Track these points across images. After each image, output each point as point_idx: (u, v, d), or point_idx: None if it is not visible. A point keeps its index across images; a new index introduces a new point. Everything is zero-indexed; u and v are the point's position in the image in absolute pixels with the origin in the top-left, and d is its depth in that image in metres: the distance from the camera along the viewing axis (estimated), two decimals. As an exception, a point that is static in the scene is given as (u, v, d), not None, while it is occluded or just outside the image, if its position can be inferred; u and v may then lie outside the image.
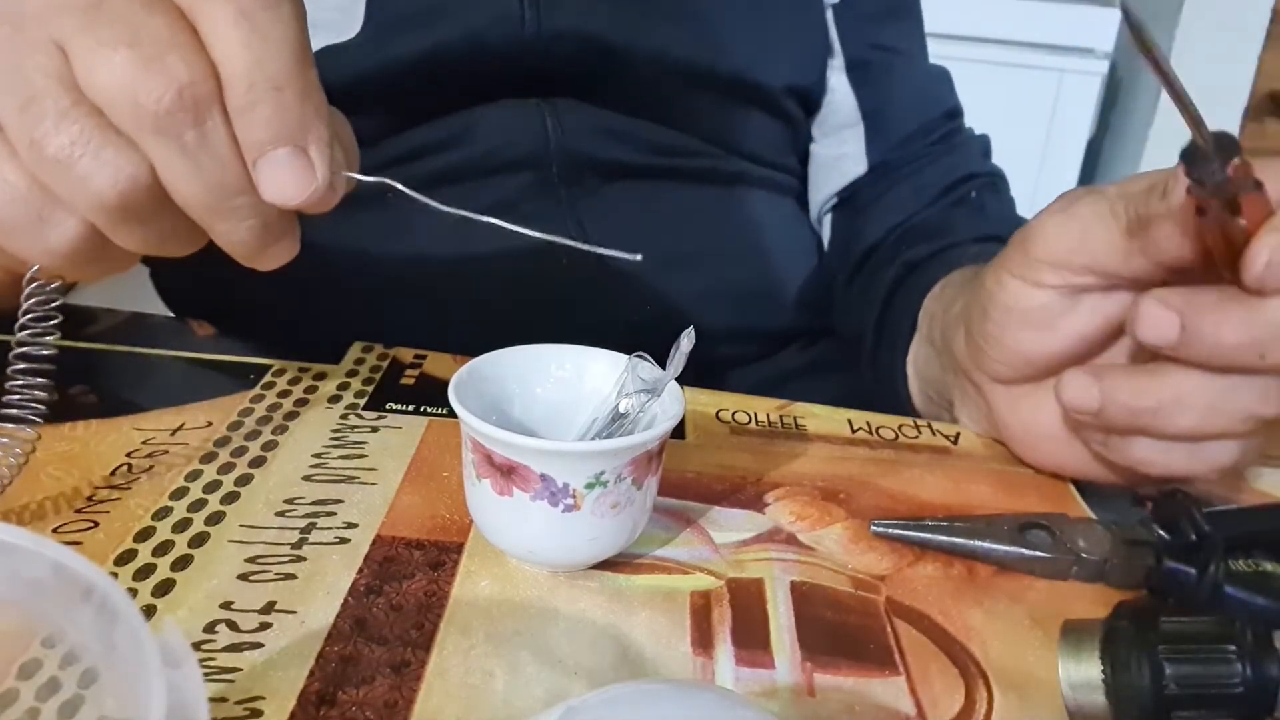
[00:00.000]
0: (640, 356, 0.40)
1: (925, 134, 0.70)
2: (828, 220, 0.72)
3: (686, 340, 0.38)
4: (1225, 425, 0.38)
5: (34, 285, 0.35)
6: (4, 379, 0.36)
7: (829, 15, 0.68)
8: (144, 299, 0.67)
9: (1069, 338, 0.43)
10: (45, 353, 0.36)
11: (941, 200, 0.67)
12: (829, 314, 0.70)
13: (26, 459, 0.38)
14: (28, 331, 0.36)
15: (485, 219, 0.36)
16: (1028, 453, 0.48)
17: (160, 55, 0.29)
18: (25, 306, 0.35)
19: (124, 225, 0.32)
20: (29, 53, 0.30)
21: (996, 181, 0.69)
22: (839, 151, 0.70)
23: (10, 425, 0.37)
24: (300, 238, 0.36)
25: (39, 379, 0.36)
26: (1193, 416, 0.38)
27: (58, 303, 0.35)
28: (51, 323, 0.36)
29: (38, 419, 0.37)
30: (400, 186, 0.35)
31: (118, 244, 0.33)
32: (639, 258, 0.36)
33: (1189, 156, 0.34)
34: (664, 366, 0.38)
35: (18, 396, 0.36)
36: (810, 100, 0.69)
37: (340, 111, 0.35)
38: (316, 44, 0.53)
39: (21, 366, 0.36)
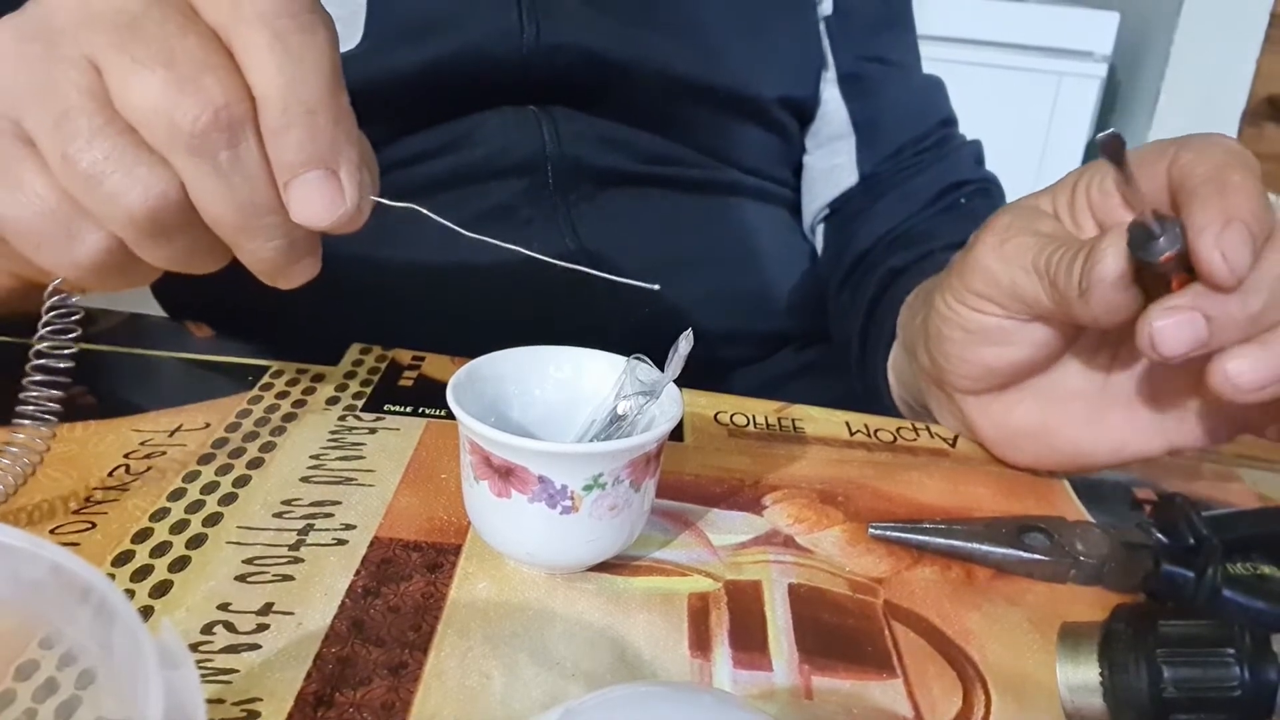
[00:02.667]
0: (638, 358, 0.40)
1: (917, 144, 0.70)
2: (820, 230, 0.72)
3: (685, 342, 0.38)
4: None
5: (56, 298, 0.35)
6: (19, 383, 0.36)
7: (822, 27, 0.69)
8: (142, 300, 0.67)
9: (1030, 346, 0.43)
10: (63, 365, 0.36)
11: (932, 207, 0.67)
12: (822, 318, 0.70)
13: (34, 469, 0.38)
14: (47, 344, 0.36)
15: (510, 246, 0.36)
16: (1005, 453, 0.48)
17: (196, 76, 0.29)
18: (46, 319, 0.35)
19: (151, 241, 0.32)
20: (63, 68, 0.30)
21: (989, 187, 0.69)
22: (831, 163, 0.70)
23: (22, 435, 0.37)
24: (321, 256, 0.36)
25: (54, 390, 0.36)
26: None
27: (78, 315, 0.36)
28: (70, 335, 0.36)
29: (50, 429, 0.37)
30: (428, 213, 0.35)
31: (143, 259, 0.34)
32: (657, 288, 0.36)
33: (1135, 239, 0.36)
34: (662, 368, 0.38)
35: (32, 407, 0.36)
36: (804, 112, 0.70)
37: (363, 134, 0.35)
38: None
39: (39, 378, 0.36)
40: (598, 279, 0.37)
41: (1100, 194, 0.41)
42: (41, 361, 0.36)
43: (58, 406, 0.37)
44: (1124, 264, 0.36)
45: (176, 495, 0.40)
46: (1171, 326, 0.35)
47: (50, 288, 0.35)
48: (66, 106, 0.30)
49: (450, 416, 0.35)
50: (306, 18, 0.31)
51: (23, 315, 0.48)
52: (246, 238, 0.33)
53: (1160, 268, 0.36)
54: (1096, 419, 0.44)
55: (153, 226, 0.32)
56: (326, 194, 0.32)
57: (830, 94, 0.70)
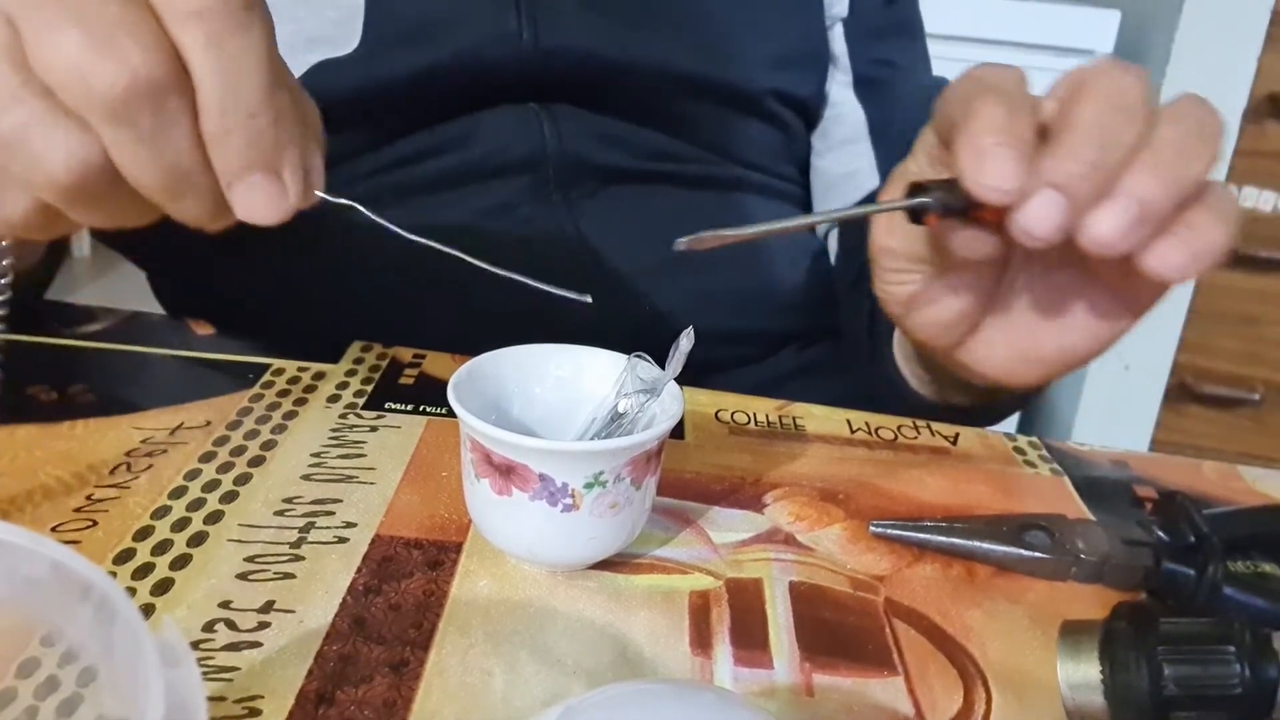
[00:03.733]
0: (639, 356, 0.40)
1: None
2: (835, 233, 0.72)
3: (686, 340, 0.38)
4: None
5: None
6: None
7: (839, 29, 0.69)
8: (144, 299, 0.67)
9: (961, 290, 0.43)
10: None
11: None
12: (826, 316, 0.70)
13: None
14: None
15: (444, 248, 0.36)
16: (1016, 380, 0.46)
17: (111, 36, 0.28)
18: None
19: (78, 203, 0.32)
20: None
21: None
22: (851, 167, 0.70)
23: None
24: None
25: None
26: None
27: (6, 295, 0.35)
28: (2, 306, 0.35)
29: None
30: (364, 210, 0.35)
31: (72, 217, 0.33)
32: (589, 299, 0.36)
33: (911, 212, 0.38)
34: (663, 366, 0.38)
35: None
36: (809, 110, 0.70)
37: (311, 98, 0.35)
38: (313, 58, 0.54)
39: None
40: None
41: (938, 150, 0.41)
42: None
43: None
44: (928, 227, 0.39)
45: (178, 493, 0.40)
46: (1034, 210, 0.35)
47: None
48: None
49: (451, 414, 0.35)
50: (242, 15, 0.30)
51: None
52: (173, 200, 0.32)
53: (956, 221, 0.38)
54: (1063, 320, 0.43)
55: (78, 192, 0.31)
56: (270, 194, 0.32)
57: (844, 96, 0.70)
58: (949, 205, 0.37)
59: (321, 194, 0.34)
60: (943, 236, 0.39)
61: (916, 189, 0.38)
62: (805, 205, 0.73)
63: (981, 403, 0.58)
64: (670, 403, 0.38)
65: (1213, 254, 0.35)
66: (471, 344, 0.41)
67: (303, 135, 0.33)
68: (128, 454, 0.43)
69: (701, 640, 0.35)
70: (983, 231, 0.38)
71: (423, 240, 0.36)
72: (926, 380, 0.56)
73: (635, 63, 0.59)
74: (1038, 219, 0.35)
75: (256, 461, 0.43)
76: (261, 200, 0.32)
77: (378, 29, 0.55)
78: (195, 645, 0.33)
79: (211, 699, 0.31)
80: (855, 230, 0.70)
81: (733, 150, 0.66)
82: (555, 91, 0.59)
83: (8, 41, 0.29)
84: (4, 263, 0.35)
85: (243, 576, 0.36)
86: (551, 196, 0.60)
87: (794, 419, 0.52)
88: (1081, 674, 0.34)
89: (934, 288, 0.43)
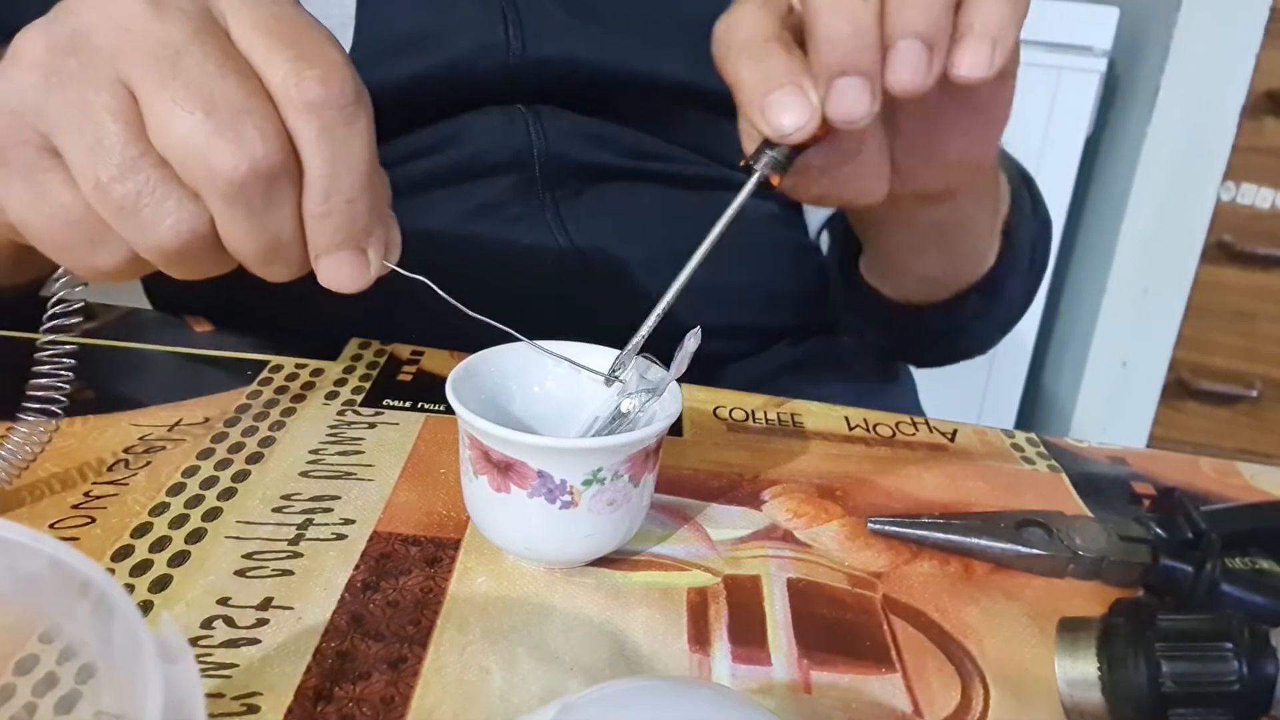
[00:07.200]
0: (643, 356, 0.40)
1: None
2: (826, 234, 0.72)
3: (692, 340, 0.38)
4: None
5: (62, 283, 0.35)
6: (22, 377, 0.36)
7: None
8: (143, 296, 0.67)
9: (871, 153, 0.43)
10: (67, 361, 0.37)
11: None
12: (818, 311, 0.70)
13: (35, 456, 0.38)
14: (49, 338, 0.36)
15: (503, 328, 0.38)
16: (943, 184, 0.46)
17: (235, 122, 0.29)
18: (53, 311, 0.35)
19: (175, 265, 0.33)
20: (97, 91, 0.30)
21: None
22: None
23: (24, 428, 0.37)
24: None
25: (62, 374, 0.37)
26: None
27: (80, 304, 0.36)
28: (72, 330, 0.36)
29: (59, 412, 0.37)
30: (436, 289, 0.37)
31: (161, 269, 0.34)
32: (605, 373, 0.39)
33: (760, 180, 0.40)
34: (667, 366, 0.38)
35: (42, 393, 0.37)
36: None
37: (382, 170, 0.36)
38: None
39: (47, 367, 0.36)
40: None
41: None
42: (46, 353, 0.36)
43: (63, 399, 0.37)
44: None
45: (176, 490, 0.40)
46: (847, 99, 0.35)
47: (56, 285, 0.35)
48: (101, 133, 0.30)
49: (450, 412, 0.35)
50: (351, 109, 0.31)
51: (13, 289, 0.48)
52: (265, 267, 0.34)
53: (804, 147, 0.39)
54: (950, 125, 0.43)
55: (180, 256, 0.32)
56: (354, 269, 0.34)
57: None
58: (778, 163, 0.39)
59: (395, 267, 0.36)
60: (803, 166, 0.40)
61: (746, 169, 0.39)
62: (788, 202, 0.74)
63: (939, 301, 0.59)
64: (669, 401, 0.38)
65: (1009, 29, 0.35)
66: (470, 341, 0.41)
67: (387, 213, 0.35)
68: (126, 451, 0.43)
69: (699, 637, 0.35)
70: (824, 143, 0.39)
71: (482, 318, 0.38)
72: (886, 276, 0.58)
73: (622, 70, 0.60)
74: (847, 111, 0.36)
75: (255, 458, 0.43)
76: (346, 273, 0.34)
77: (368, 38, 0.55)
78: (193, 642, 0.33)
79: (210, 696, 0.31)
80: (842, 219, 0.70)
81: (719, 152, 0.66)
82: (544, 97, 0.59)
83: (126, 109, 0.30)
84: (74, 314, 0.36)
85: (241, 573, 0.36)
86: (539, 195, 0.60)
87: (792, 416, 0.52)
88: (1079, 671, 0.34)
89: (844, 172, 0.44)
